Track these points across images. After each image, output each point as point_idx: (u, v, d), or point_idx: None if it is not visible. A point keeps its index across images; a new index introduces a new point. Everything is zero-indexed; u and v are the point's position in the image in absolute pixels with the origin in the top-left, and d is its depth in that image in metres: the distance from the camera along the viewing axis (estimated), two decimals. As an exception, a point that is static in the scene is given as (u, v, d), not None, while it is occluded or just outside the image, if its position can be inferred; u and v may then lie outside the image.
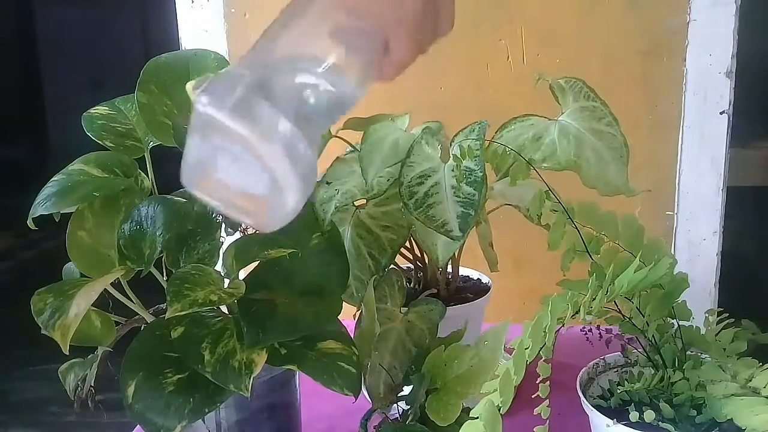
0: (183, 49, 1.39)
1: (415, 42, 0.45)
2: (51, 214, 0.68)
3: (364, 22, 0.44)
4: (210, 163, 0.42)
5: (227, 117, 0.40)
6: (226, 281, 0.66)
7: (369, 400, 0.74)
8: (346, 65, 0.45)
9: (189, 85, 0.41)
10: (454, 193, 0.73)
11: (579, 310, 0.61)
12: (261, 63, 0.43)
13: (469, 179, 0.72)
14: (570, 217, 0.70)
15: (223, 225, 0.74)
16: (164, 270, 0.71)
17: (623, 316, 0.70)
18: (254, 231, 0.75)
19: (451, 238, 0.72)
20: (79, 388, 0.71)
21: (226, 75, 0.42)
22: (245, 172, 0.41)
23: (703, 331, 0.71)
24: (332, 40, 0.44)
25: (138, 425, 0.63)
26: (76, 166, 0.72)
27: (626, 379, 0.70)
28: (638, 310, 0.68)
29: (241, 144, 0.40)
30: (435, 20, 0.45)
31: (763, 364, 0.64)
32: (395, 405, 0.74)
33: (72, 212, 0.69)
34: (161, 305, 0.70)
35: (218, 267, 0.69)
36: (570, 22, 1.31)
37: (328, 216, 0.73)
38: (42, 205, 0.68)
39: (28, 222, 0.68)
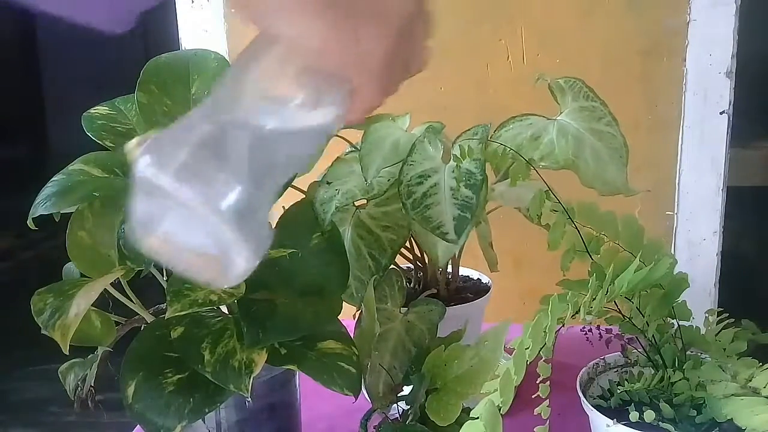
0: (183, 49, 1.38)
1: (383, 87, 0.43)
2: (51, 214, 0.68)
3: (330, 67, 0.41)
4: (157, 222, 0.40)
5: (170, 182, 0.37)
6: (226, 281, 0.66)
7: (369, 400, 0.74)
8: (310, 110, 0.42)
9: (131, 143, 0.38)
10: (453, 195, 0.73)
11: (579, 310, 0.61)
12: (216, 113, 0.41)
13: (468, 182, 0.72)
14: (570, 217, 0.70)
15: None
16: (164, 270, 0.71)
17: (623, 316, 0.70)
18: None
19: (446, 241, 0.72)
20: (79, 388, 0.71)
21: (173, 132, 0.40)
22: (193, 233, 0.39)
23: (703, 331, 0.71)
24: (295, 84, 0.42)
25: (138, 425, 0.63)
26: (76, 166, 0.72)
27: (626, 379, 0.70)
28: (638, 310, 0.68)
29: (187, 208, 0.38)
30: (406, 59, 0.43)
31: (763, 364, 0.64)
32: (395, 405, 0.74)
33: (72, 212, 0.69)
34: (161, 305, 0.70)
35: (218, 267, 0.69)
36: (570, 22, 1.31)
37: (328, 216, 0.73)
38: (42, 205, 0.67)
39: (28, 222, 0.68)
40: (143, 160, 0.37)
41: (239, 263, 0.40)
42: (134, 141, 0.38)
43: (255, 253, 0.40)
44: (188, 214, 0.38)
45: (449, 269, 0.92)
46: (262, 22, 0.40)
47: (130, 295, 0.70)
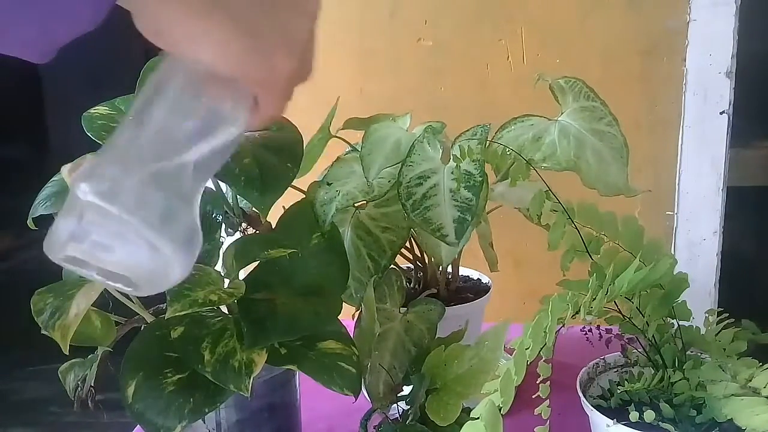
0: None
1: (285, 98, 0.47)
2: (51, 214, 0.68)
3: (242, 85, 0.44)
4: (85, 238, 0.42)
5: (108, 204, 0.40)
6: (226, 281, 0.66)
7: (369, 400, 0.74)
8: (219, 124, 0.45)
9: (64, 169, 0.41)
10: (452, 196, 0.73)
11: (579, 310, 0.61)
12: (139, 133, 0.43)
13: (468, 183, 0.72)
14: (570, 217, 0.70)
15: (223, 225, 0.74)
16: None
17: (623, 316, 0.70)
18: (254, 231, 0.75)
19: (447, 243, 0.72)
20: (79, 388, 0.71)
21: (104, 156, 0.42)
22: (126, 249, 0.42)
23: (703, 331, 0.71)
24: (206, 100, 0.45)
25: (138, 425, 0.63)
26: (76, 166, 0.72)
27: (626, 379, 0.70)
28: (638, 310, 0.68)
29: (124, 227, 0.41)
30: (300, 69, 0.46)
31: (763, 364, 0.64)
32: (395, 405, 0.74)
33: (72, 212, 0.69)
34: (161, 305, 0.70)
35: (218, 267, 0.69)
36: (570, 22, 1.31)
37: (329, 217, 0.73)
38: (42, 205, 0.67)
39: (28, 222, 0.68)
40: (81, 186, 0.40)
41: (174, 272, 0.43)
42: (68, 166, 0.41)
43: (189, 262, 0.44)
44: (122, 233, 0.41)
45: (449, 269, 0.92)
46: (175, 48, 0.42)
47: (130, 295, 0.70)
